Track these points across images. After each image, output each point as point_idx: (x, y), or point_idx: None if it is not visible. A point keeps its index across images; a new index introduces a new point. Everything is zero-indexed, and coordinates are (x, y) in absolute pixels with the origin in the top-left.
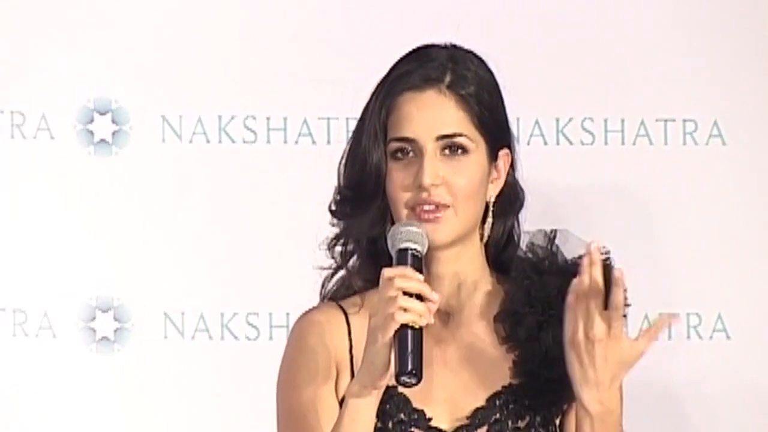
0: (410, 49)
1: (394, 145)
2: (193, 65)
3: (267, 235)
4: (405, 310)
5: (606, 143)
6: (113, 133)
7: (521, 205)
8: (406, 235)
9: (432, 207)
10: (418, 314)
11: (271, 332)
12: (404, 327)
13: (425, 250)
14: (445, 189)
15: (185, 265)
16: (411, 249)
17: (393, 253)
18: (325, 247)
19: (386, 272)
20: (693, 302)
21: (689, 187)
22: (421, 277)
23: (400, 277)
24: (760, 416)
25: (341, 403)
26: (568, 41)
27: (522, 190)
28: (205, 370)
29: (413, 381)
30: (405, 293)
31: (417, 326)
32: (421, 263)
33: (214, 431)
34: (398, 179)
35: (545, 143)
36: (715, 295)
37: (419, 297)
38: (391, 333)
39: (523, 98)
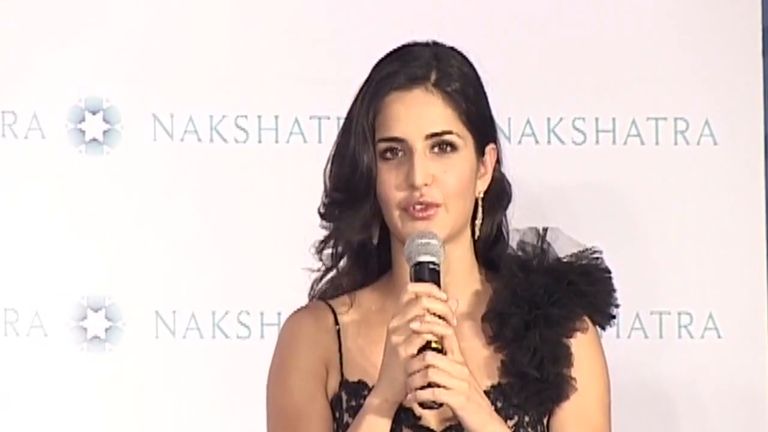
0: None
1: (383, 145)
2: (185, 64)
3: (258, 234)
4: (430, 330)
5: (597, 143)
6: (104, 132)
7: (509, 200)
8: (424, 248)
9: (424, 206)
10: (440, 336)
11: (263, 331)
12: (428, 345)
13: (441, 262)
14: (437, 188)
15: (176, 264)
16: (429, 263)
17: (410, 265)
18: (314, 250)
19: (412, 288)
20: (684, 301)
21: (681, 186)
22: (444, 296)
23: (427, 297)
24: (751, 415)
25: (331, 402)
26: (559, 40)
27: (509, 184)
28: (196, 368)
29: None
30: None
31: (439, 347)
32: (439, 277)
33: (205, 430)
34: (389, 180)
35: (536, 142)
36: (706, 294)
37: (440, 317)
38: (414, 351)
39: (515, 98)
